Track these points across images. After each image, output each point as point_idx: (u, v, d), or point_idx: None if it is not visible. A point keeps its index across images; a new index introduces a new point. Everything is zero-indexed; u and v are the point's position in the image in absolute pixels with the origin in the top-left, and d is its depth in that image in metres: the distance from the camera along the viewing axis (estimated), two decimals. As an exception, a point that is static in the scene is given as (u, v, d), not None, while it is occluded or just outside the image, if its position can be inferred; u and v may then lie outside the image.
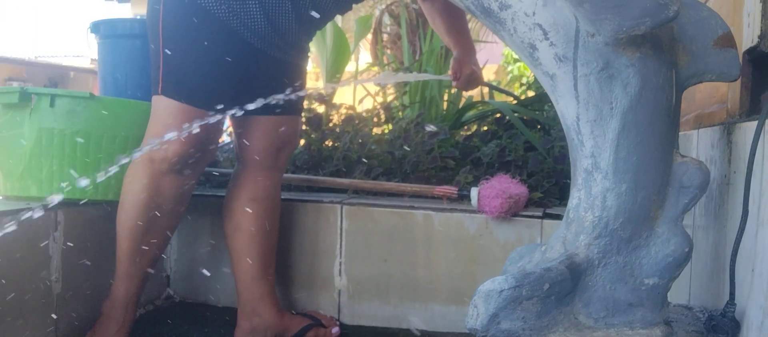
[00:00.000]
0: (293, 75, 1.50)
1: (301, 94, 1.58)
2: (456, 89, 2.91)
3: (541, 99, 2.38)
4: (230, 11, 1.30)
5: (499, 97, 2.69)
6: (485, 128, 2.29)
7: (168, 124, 1.30)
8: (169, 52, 1.30)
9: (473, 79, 1.79)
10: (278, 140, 1.51)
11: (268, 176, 1.53)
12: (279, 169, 1.56)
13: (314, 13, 1.39)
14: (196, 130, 1.31)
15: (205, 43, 1.30)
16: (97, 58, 1.72)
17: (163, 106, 1.32)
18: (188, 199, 1.43)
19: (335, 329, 1.59)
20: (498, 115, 2.35)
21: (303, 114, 2.15)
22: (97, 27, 1.67)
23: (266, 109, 1.46)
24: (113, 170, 1.38)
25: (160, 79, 1.31)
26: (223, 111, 1.36)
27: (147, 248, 1.38)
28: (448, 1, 1.59)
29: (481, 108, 2.55)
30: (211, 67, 1.32)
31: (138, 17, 1.64)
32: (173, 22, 1.30)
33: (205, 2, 1.29)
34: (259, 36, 1.34)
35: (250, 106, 1.45)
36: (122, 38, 1.64)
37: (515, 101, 2.55)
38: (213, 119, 1.34)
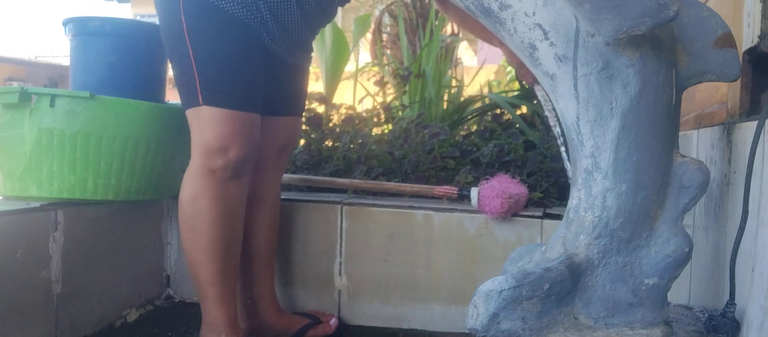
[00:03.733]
0: (300, 76, 1.51)
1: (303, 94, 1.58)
2: (455, 89, 2.92)
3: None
4: (249, 12, 1.29)
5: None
6: (484, 126, 2.29)
7: (220, 132, 1.28)
8: (202, 62, 1.27)
9: None
10: (280, 141, 1.51)
11: (269, 177, 1.53)
12: (279, 169, 1.56)
13: (318, 10, 1.38)
14: (249, 131, 1.31)
15: (235, 46, 1.29)
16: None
17: (208, 116, 1.28)
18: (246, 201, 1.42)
19: (333, 320, 1.61)
20: (498, 110, 2.34)
21: (303, 114, 2.15)
22: (67, 24, 1.63)
23: (272, 110, 1.46)
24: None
25: (198, 89, 1.27)
26: (261, 109, 1.35)
27: (233, 260, 1.36)
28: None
29: (479, 104, 2.55)
30: (245, 69, 1.30)
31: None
32: (200, 31, 1.27)
33: (227, 5, 1.27)
34: (272, 38, 1.34)
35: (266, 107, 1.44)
36: (93, 36, 1.61)
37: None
38: (257, 118, 1.33)
